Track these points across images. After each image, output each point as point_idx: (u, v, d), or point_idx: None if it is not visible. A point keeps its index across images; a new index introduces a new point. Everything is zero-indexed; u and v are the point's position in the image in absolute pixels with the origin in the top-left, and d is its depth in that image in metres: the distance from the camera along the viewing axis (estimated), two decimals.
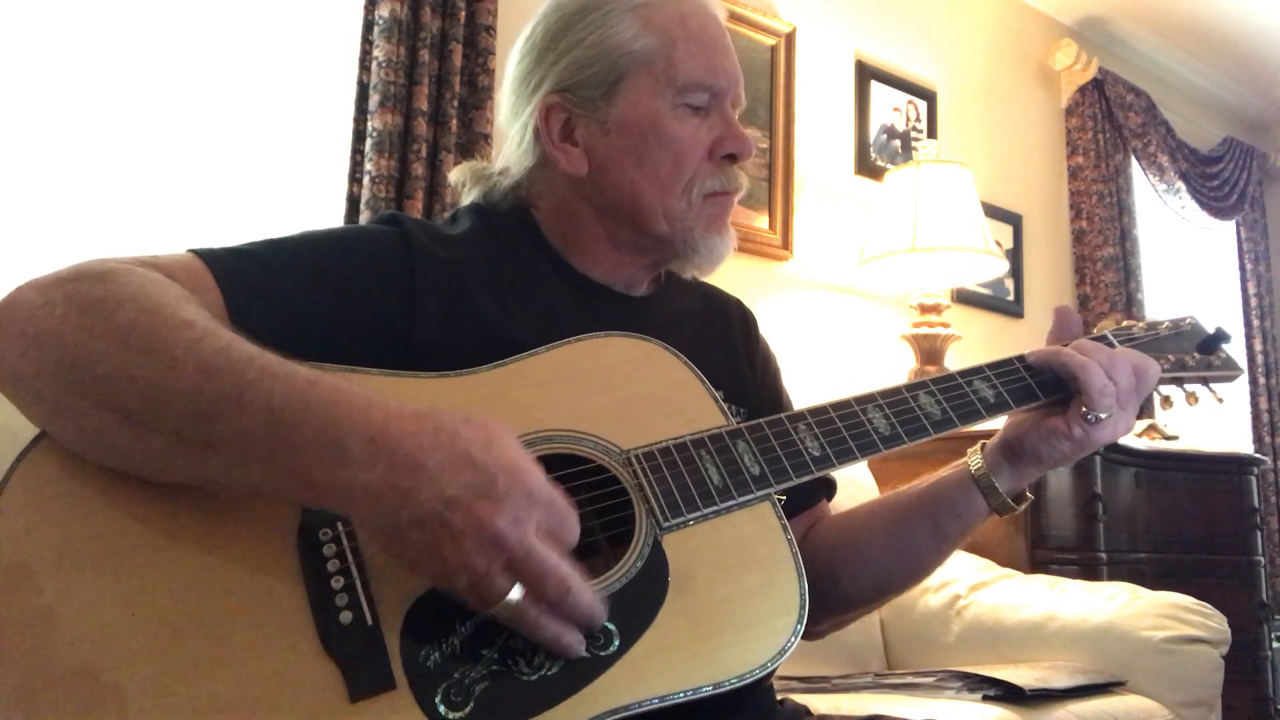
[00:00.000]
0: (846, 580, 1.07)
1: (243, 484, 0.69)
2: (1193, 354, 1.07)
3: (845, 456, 0.90)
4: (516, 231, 1.03)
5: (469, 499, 0.65)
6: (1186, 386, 1.08)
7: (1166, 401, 1.07)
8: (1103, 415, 0.93)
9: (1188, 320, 1.10)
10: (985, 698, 1.60)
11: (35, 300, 0.72)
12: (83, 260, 0.76)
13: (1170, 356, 1.05)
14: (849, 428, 0.92)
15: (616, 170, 0.99)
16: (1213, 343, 1.08)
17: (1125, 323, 1.09)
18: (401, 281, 0.91)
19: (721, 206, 1.03)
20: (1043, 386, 0.98)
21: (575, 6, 1.01)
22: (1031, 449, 0.98)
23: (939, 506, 1.02)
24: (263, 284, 0.84)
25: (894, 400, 0.95)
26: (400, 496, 0.65)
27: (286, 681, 0.67)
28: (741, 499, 0.83)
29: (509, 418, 0.81)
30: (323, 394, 0.69)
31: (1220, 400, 1.10)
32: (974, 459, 1.01)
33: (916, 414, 0.94)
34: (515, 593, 0.66)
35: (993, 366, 1.00)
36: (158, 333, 0.70)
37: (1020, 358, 1.00)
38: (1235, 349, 1.09)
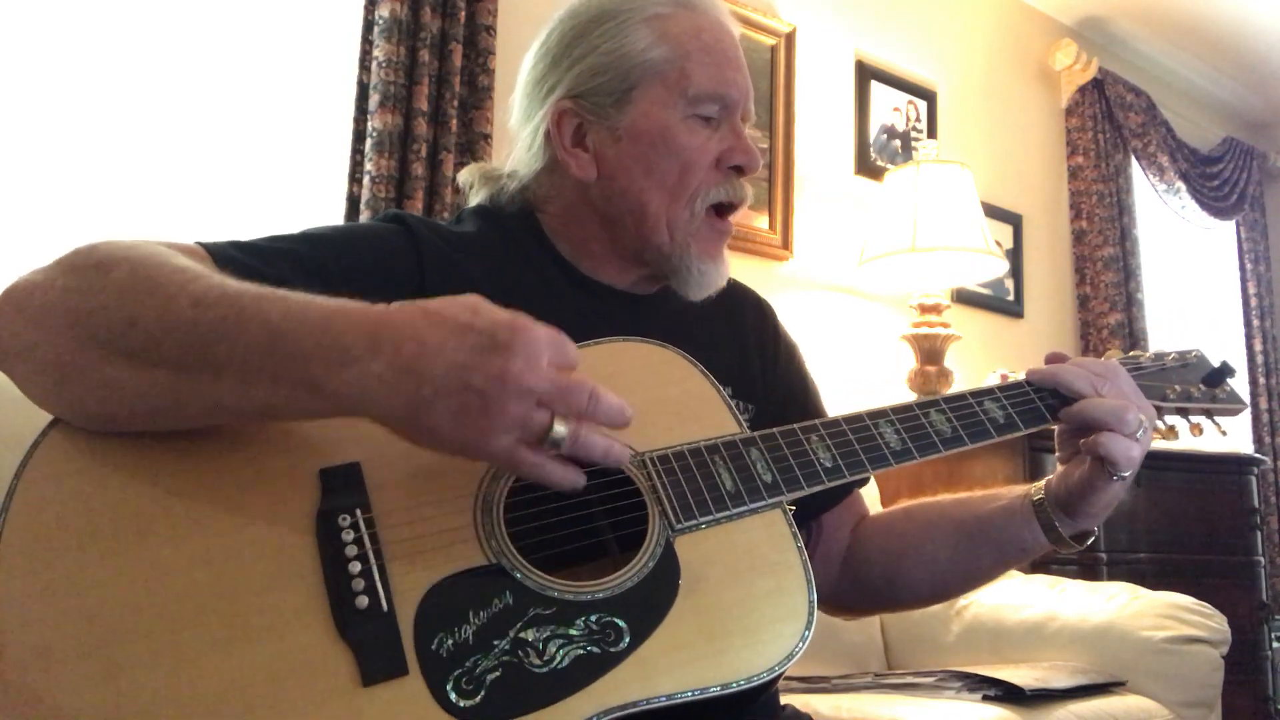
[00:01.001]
0: (903, 586, 1.10)
1: (254, 404, 0.71)
2: (1198, 385, 1.09)
3: (856, 469, 0.91)
4: (523, 235, 1.04)
5: (479, 359, 0.67)
6: (1191, 418, 1.10)
7: (1171, 431, 1.09)
8: (1127, 474, 0.95)
9: (1194, 353, 1.12)
10: (985, 698, 1.61)
11: (34, 280, 0.73)
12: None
13: (1176, 387, 1.08)
14: (860, 440, 0.93)
15: (625, 177, 1.00)
16: (1218, 376, 1.09)
17: (1132, 353, 1.11)
18: (410, 278, 0.92)
19: (719, 233, 1.04)
20: (1051, 410, 0.99)
21: (591, 14, 1.02)
22: (1079, 507, 0.99)
23: (1005, 539, 1.04)
24: (267, 275, 0.84)
25: (906, 416, 0.96)
26: (414, 377, 0.67)
27: (300, 663, 0.68)
28: (753, 505, 0.84)
29: None
30: (319, 307, 0.71)
31: (1224, 433, 1.12)
32: (1037, 496, 1.02)
33: (927, 431, 0.95)
34: (559, 422, 0.69)
35: (1003, 388, 1.01)
36: (153, 279, 0.72)
37: (1030, 383, 1.02)
38: (1235, 348, 1.11)
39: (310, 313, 0.70)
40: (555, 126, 1.01)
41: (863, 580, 1.12)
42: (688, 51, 1.00)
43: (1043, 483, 1.03)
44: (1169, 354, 1.11)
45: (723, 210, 1.04)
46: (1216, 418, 1.11)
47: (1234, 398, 1.11)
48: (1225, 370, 1.10)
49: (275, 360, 0.69)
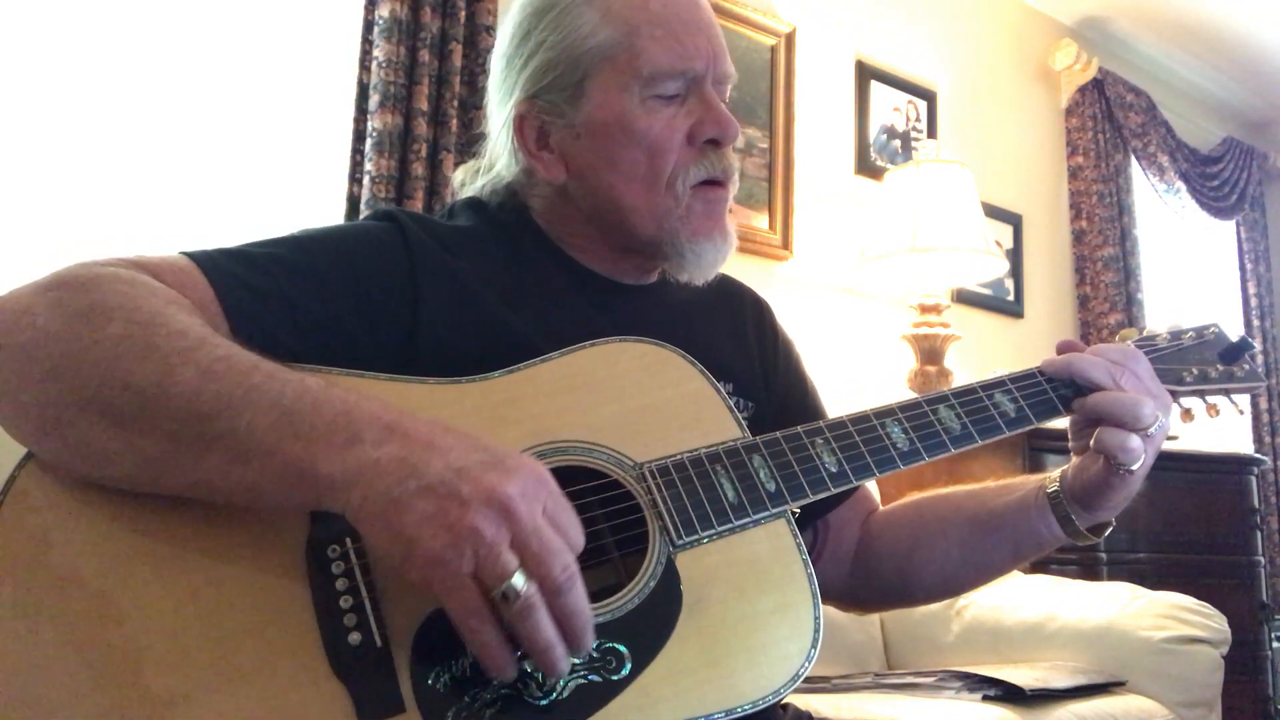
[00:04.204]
0: (916, 583, 1.08)
1: (237, 483, 0.67)
2: (1216, 365, 1.03)
3: (863, 473, 0.88)
4: (516, 227, 1.00)
5: (479, 469, 0.65)
6: (1208, 399, 1.04)
7: (1187, 414, 1.04)
8: (1134, 468, 0.91)
9: (1211, 328, 1.06)
10: (985, 698, 1.61)
11: (16, 308, 0.69)
12: (65, 266, 0.74)
13: (1194, 369, 1.02)
14: (867, 443, 0.89)
15: (592, 175, 0.96)
16: (1236, 352, 1.04)
17: (1146, 332, 1.06)
18: (403, 278, 0.88)
19: (711, 205, 0.97)
20: (1064, 401, 0.96)
21: (534, 7, 0.97)
22: (1095, 501, 0.96)
23: (1020, 533, 1.01)
24: (259, 285, 0.81)
25: (913, 414, 0.93)
26: (409, 468, 0.65)
27: (294, 703, 0.66)
28: (757, 516, 0.82)
29: (521, 426, 0.81)
30: (339, 392, 0.69)
31: (1241, 412, 1.07)
32: (1052, 489, 0.98)
33: (936, 429, 0.92)
34: (520, 577, 0.63)
35: (1014, 378, 0.97)
36: (151, 342, 0.68)
37: (1042, 372, 0.98)
38: None
39: (329, 397, 0.68)
40: (517, 132, 0.97)
41: (874, 577, 1.09)
42: (635, 27, 0.93)
43: (1057, 474, 0.99)
44: (1186, 331, 1.05)
45: (711, 183, 0.97)
46: (1234, 396, 1.05)
47: (1253, 375, 1.04)
48: (1244, 345, 1.03)
49: (277, 437, 0.66)
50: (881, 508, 1.16)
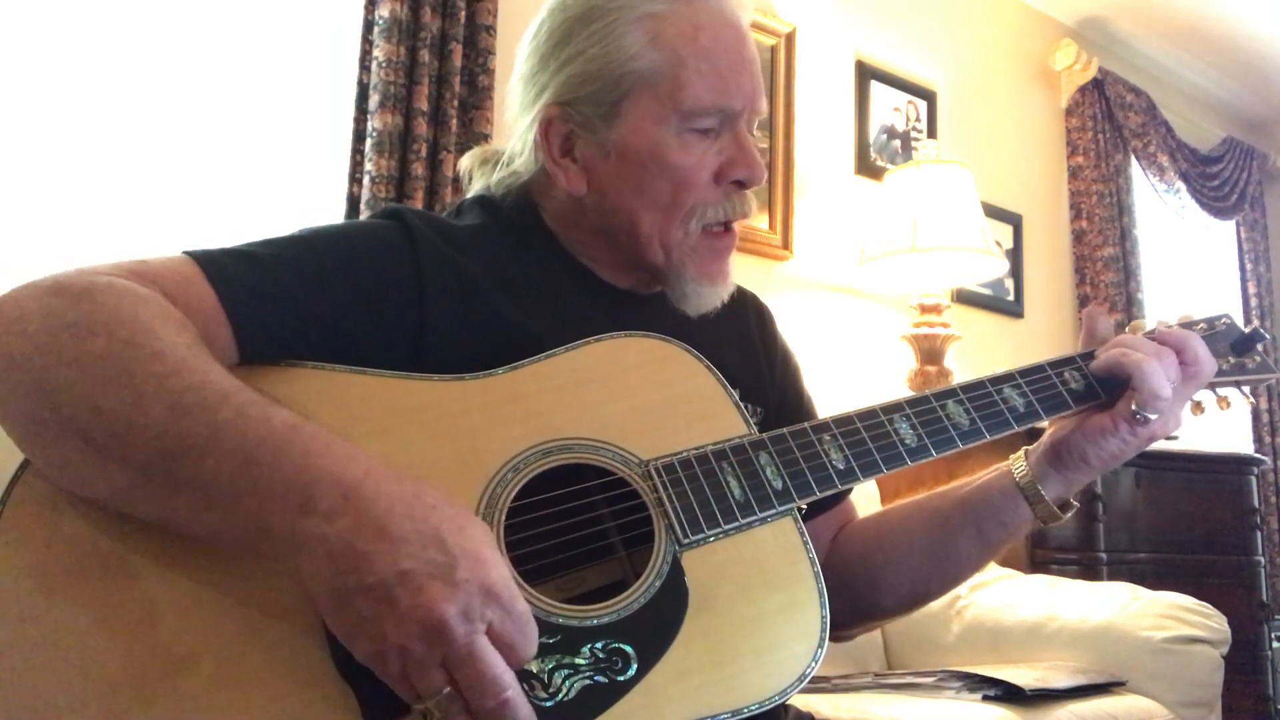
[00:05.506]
0: (884, 588, 1.05)
1: (204, 528, 0.67)
2: (1227, 357, 1.02)
3: (870, 470, 0.88)
4: (525, 227, 0.99)
5: (422, 577, 0.62)
6: (1219, 390, 1.04)
7: (1198, 407, 1.03)
8: (1152, 416, 0.91)
9: (1223, 319, 1.06)
10: (985, 698, 1.61)
11: (11, 314, 0.69)
12: (66, 271, 0.73)
13: None
14: (875, 439, 0.89)
15: (614, 195, 0.95)
16: (1247, 343, 1.03)
17: (1159, 322, 1.05)
18: (408, 277, 0.87)
19: (718, 251, 0.97)
20: (1074, 395, 0.96)
21: (579, 11, 0.95)
22: (1078, 452, 0.96)
23: (983, 516, 1.00)
24: (263, 287, 0.80)
25: (921, 409, 0.92)
26: (354, 559, 0.62)
27: (300, 704, 0.66)
28: (763, 514, 0.82)
29: (526, 424, 0.80)
30: (302, 440, 0.66)
31: (1251, 401, 1.06)
32: (1018, 466, 0.99)
33: (944, 424, 0.92)
34: (445, 696, 0.63)
35: (1023, 373, 0.97)
36: (127, 364, 0.67)
37: (1051, 362, 0.98)
38: None
39: (292, 445, 0.65)
40: (543, 136, 0.95)
41: (844, 590, 1.05)
42: (682, 59, 0.92)
43: (1021, 452, 0.99)
44: (1197, 322, 1.04)
45: (720, 225, 0.97)
46: (1244, 387, 1.04)
47: (1264, 366, 1.03)
48: (1255, 336, 1.03)
49: (238, 488, 0.64)
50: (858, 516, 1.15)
